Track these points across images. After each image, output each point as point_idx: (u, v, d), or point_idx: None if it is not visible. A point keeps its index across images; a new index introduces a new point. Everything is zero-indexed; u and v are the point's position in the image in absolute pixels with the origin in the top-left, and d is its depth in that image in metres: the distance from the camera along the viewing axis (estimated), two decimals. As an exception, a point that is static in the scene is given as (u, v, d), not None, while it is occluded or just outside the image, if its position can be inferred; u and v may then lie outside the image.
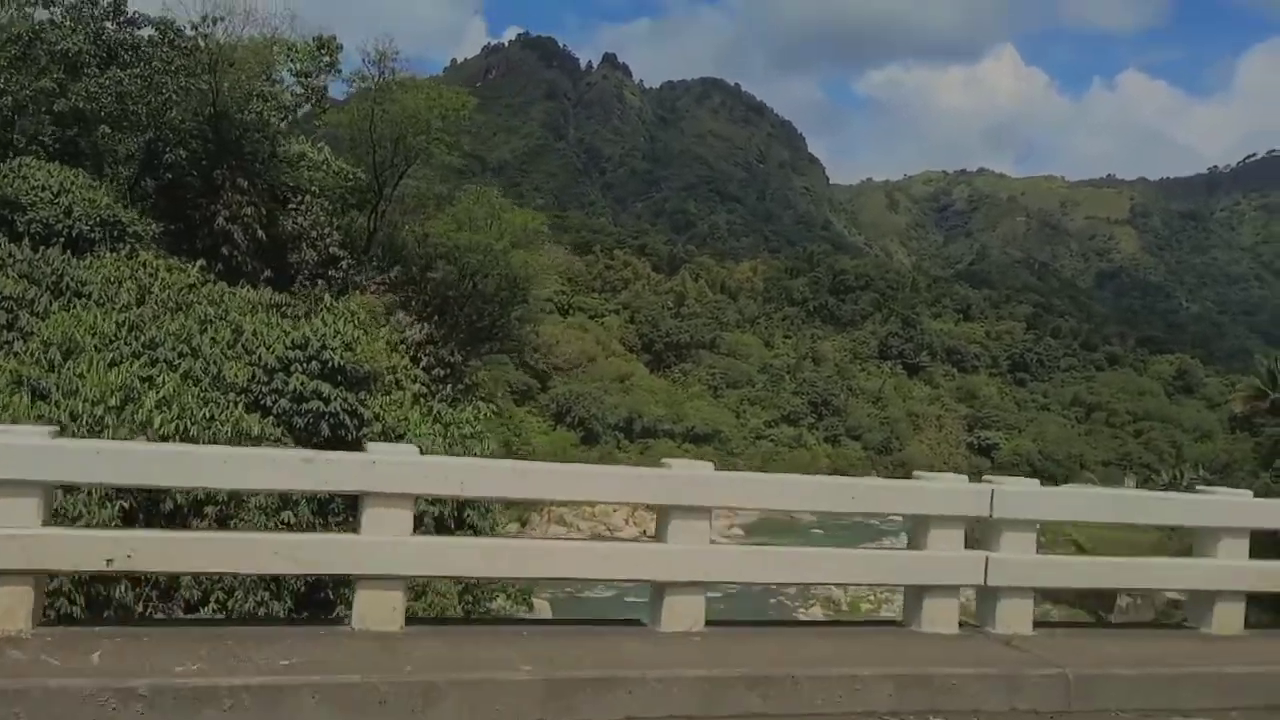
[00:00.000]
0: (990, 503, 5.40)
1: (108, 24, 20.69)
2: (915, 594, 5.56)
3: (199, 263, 20.12)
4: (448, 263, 25.59)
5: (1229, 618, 6.03)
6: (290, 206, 24.31)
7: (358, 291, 24.72)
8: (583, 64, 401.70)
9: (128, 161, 20.03)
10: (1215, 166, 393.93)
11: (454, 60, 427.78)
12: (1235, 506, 6.08)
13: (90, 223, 18.20)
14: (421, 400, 24.85)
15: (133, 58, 19.03)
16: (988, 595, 5.59)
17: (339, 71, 22.88)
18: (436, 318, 25.46)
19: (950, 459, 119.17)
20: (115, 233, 18.47)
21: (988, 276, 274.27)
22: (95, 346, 16.43)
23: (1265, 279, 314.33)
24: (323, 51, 22.22)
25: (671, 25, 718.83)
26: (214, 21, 20.13)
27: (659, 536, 5.15)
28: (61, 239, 18.21)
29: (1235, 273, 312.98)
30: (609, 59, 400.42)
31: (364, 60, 22.54)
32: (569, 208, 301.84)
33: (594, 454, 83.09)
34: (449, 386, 24.39)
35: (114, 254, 18.41)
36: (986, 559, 5.40)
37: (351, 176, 25.22)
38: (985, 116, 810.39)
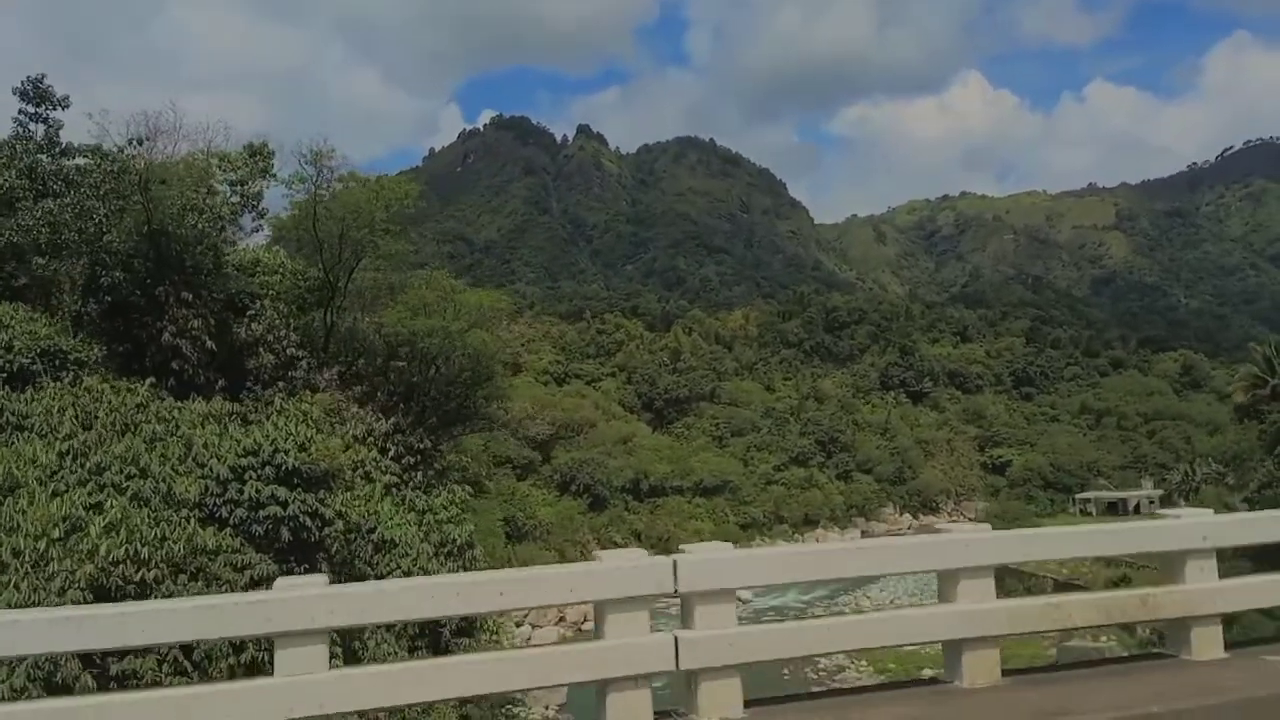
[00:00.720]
0: (674, 576, 4.83)
1: (42, 157, 21.03)
2: (603, 689, 4.82)
3: (148, 381, 20.12)
4: (410, 351, 25.60)
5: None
6: (245, 314, 24.43)
7: (314, 391, 24.69)
8: (558, 138, 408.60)
9: (71, 289, 20.19)
10: (1195, 163, 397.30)
11: (431, 149, 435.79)
12: (972, 544, 5.40)
13: (30, 355, 18.24)
14: (394, 490, 24.71)
15: (62, 187, 19.27)
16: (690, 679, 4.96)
17: (274, 176, 23.16)
18: (402, 406, 25.38)
19: (965, 480, 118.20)
20: (57, 362, 18.50)
21: (983, 296, 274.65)
22: (38, 479, 16.33)
23: (1260, 266, 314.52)
24: (256, 158, 22.51)
25: (640, 90, 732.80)
26: (139, 142, 20.48)
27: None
28: (3, 374, 18.24)
29: (1229, 264, 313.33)
30: (583, 130, 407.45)
31: (300, 161, 22.84)
32: (560, 278, 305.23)
33: (603, 519, 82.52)
34: (419, 474, 24.22)
35: (56, 383, 18.42)
36: (676, 639, 4.80)
37: (306, 277, 25.40)
38: (961, 142, 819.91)
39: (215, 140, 21.88)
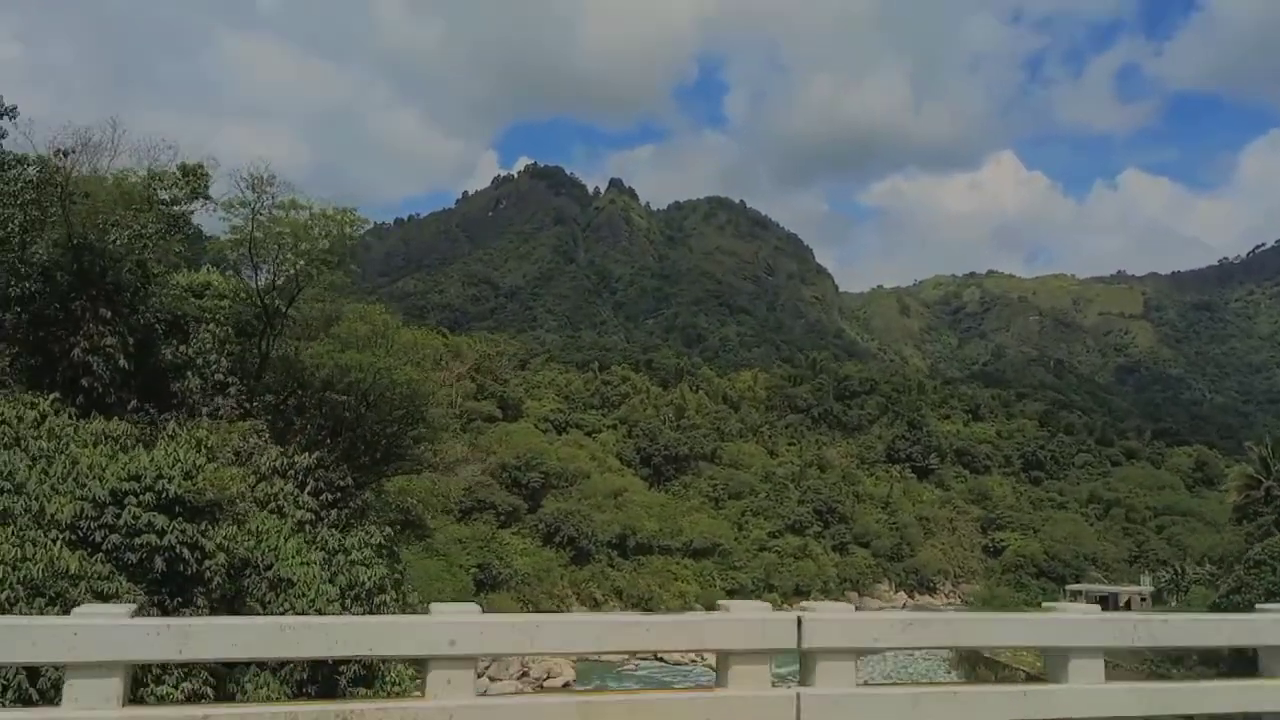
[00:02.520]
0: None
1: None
2: None
3: (51, 396, 19.76)
4: (346, 385, 25.16)
5: None
6: (176, 336, 24.15)
7: (244, 418, 24.26)
8: (590, 189, 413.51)
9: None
10: (1226, 258, 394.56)
11: (465, 192, 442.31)
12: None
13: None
14: (307, 527, 24.05)
15: (-24, 196, 19.22)
16: None
17: (207, 199, 23.04)
18: (329, 441, 24.86)
19: (965, 562, 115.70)
20: (-44, 369, 18.24)
21: (1003, 376, 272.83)
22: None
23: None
24: (189, 179, 22.45)
25: (675, 148, 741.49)
26: (64, 154, 20.43)
27: None
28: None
29: (1256, 361, 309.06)
30: (615, 183, 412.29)
31: (238, 186, 22.73)
32: (581, 327, 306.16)
33: (585, 573, 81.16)
34: (335, 511, 23.59)
35: (-50, 388, 18.11)
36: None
37: (246, 302, 25.14)
38: (991, 220, 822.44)
39: (161, 159, 21.88)
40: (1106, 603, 71.30)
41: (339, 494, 24.31)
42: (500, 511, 77.52)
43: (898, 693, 5.03)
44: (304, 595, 21.55)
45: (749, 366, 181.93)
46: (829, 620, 4.78)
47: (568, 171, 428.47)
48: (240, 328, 26.93)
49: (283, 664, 20.85)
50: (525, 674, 56.62)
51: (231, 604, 20.57)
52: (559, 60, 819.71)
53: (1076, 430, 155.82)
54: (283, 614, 21.52)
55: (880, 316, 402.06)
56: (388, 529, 24.56)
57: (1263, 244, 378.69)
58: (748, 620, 4.79)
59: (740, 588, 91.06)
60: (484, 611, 4.70)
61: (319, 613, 21.91)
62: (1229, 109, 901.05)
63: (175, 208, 22.06)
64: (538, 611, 61.58)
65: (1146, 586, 68.66)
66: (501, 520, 77.16)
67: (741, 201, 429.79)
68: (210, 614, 21.26)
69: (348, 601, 23.23)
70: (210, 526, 18.68)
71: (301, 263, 23.27)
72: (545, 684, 55.62)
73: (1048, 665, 5.30)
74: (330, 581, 23.07)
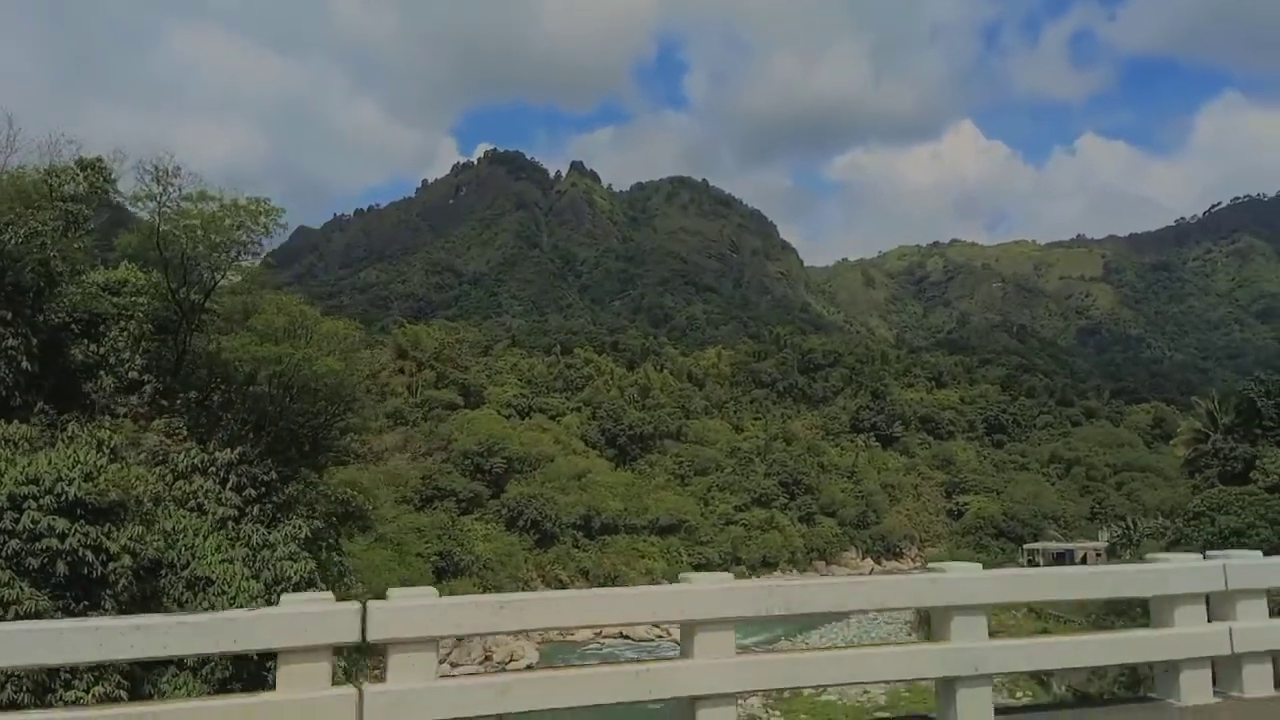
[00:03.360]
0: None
1: None
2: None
3: (-51, 400, 19.24)
4: (268, 378, 24.73)
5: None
6: (88, 336, 23.62)
7: (159, 416, 23.81)
8: (551, 174, 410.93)
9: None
10: (1183, 218, 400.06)
11: (425, 181, 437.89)
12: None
13: None
14: (229, 524, 23.68)
15: None
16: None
17: (106, 194, 22.44)
18: (252, 436, 24.44)
19: (930, 527, 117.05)
20: None
21: (968, 343, 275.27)
22: None
23: (1245, 321, 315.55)
24: (87, 174, 21.85)
25: (637, 129, 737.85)
26: (-58, 154, 19.87)
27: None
28: None
29: (1214, 318, 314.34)
30: (576, 166, 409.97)
31: (141, 179, 22.15)
32: (547, 312, 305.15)
33: (549, 555, 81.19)
34: (257, 507, 23.23)
35: None
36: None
37: (164, 298, 24.58)
38: (953, 190, 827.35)
39: (62, 155, 21.25)
40: (1062, 559, 72.67)
41: (263, 489, 23.94)
42: (461, 499, 77.20)
43: (483, 682, 4.71)
44: (224, 593, 21.25)
45: (716, 344, 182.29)
46: (400, 609, 4.40)
47: (528, 156, 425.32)
48: (160, 324, 26.39)
49: (203, 662, 20.63)
50: (488, 658, 56.59)
51: (146, 605, 20.22)
52: (516, 43, 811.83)
53: (1038, 393, 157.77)
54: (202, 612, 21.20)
55: (846, 289, 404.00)
56: (316, 522, 24.25)
57: (1218, 203, 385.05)
58: (302, 614, 4.36)
59: (708, 562, 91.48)
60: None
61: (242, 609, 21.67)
62: (1183, 72, 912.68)
63: (74, 204, 21.45)
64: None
65: (1102, 542, 69.80)
66: (463, 507, 76.85)
67: (704, 180, 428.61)
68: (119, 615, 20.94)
69: (273, 597, 22.97)
70: (114, 528, 18.32)
71: (212, 252, 22.74)
72: (508, 667, 55.61)
73: (681, 640, 5.07)
74: (255, 578, 22.78)
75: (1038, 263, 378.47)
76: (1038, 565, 77.14)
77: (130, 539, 18.47)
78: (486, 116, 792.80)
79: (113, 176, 24.64)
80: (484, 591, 65.47)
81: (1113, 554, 67.19)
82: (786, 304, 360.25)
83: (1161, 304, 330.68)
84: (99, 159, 22.14)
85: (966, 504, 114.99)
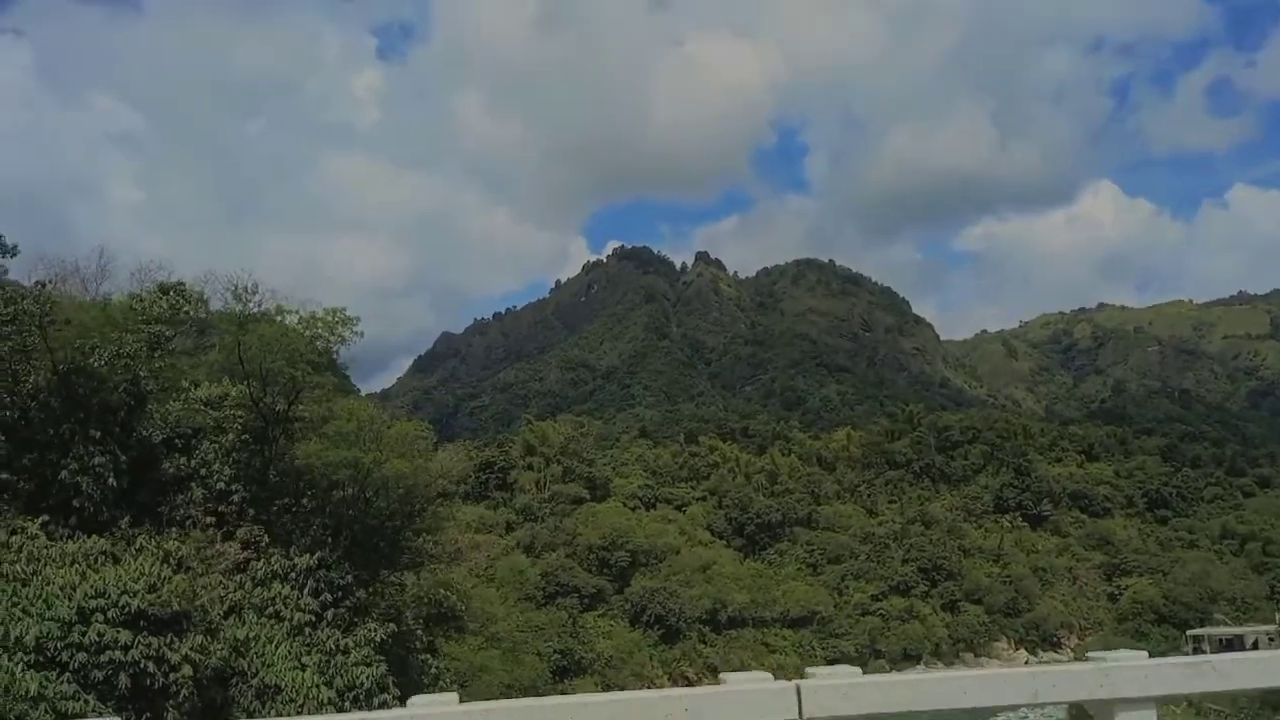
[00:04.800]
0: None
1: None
2: None
3: (40, 520, 20.59)
4: (349, 482, 25.54)
5: None
6: (178, 450, 25.02)
7: (240, 526, 24.80)
8: (678, 265, 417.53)
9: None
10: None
11: (558, 281, 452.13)
12: None
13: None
14: (306, 630, 24.19)
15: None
16: None
17: (187, 314, 24.06)
18: (330, 541, 25.15)
19: (1090, 613, 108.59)
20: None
21: (1124, 411, 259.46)
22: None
23: None
24: (167, 296, 23.51)
25: (759, 216, 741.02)
26: (42, 285, 21.68)
27: None
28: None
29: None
30: (702, 256, 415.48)
31: (223, 300, 23.72)
32: (679, 401, 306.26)
33: (675, 651, 79.45)
34: (331, 612, 23.70)
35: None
36: None
37: (244, 410, 25.95)
38: (1096, 253, 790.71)
39: (145, 281, 23.03)
40: (1231, 645, 65.61)
41: (340, 593, 24.48)
42: (584, 594, 76.82)
43: None
44: (292, 700, 21.58)
45: (853, 425, 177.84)
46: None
47: (655, 250, 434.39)
48: (255, 435, 27.75)
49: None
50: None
51: (214, 715, 20.74)
52: (635, 140, 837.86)
53: (1203, 462, 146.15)
54: None
55: (987, 361, 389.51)
56: (391, 625, 24.52)
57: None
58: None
59: (842, 655, 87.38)
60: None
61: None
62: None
63: (157, 326, 23.05)
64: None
65: (1276, 625, 62.90)
66: (586, 603, 76.41)
67: (830, 260, 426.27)
68: None
69: (345, 704, 23.15)
70: (176, 638, 18.98)
71: (289, 365, 23.91)
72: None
73: None
74: (328, 684, 23.10)
75: (1197, 323, 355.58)
76: (1203, 652, 70.13)
77: (192, 649, 19.05)
78: (613, 215, 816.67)
79: (204, 297, 26.41)
80: (607, 690, 64.48)
81: (1288, 640, 60.36)
82: (924, 380, 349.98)
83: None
84: (180, 283, 23.87)
85: (1127, 587, 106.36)
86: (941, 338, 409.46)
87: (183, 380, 26.58)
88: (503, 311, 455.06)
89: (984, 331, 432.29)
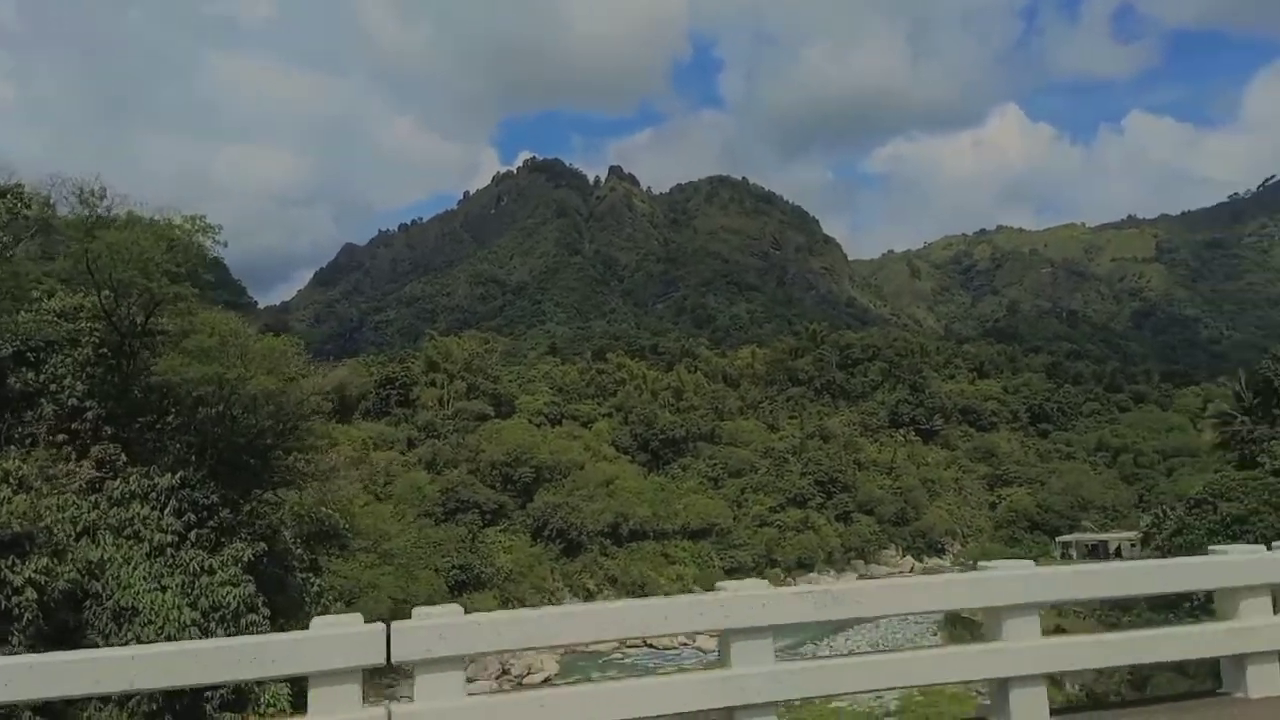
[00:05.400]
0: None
1: None
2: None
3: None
4: (217, 399, 24.66)
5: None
6: (25, 365, 23.75)
7: (96, 443, 23.83)
8: (591, 179, 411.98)
9: None
10: (1236, 193, 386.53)
11: (466, 193, 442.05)
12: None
13: None
14: (169, 550, 23.59)
15: None
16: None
17: (26, 219, 22.61)
18: (194, 459, 24.39)
19: (973, 521, 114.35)
20: None
21: (1016, 331, 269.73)
22: None
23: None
24: (4, 200, 21.98)
25: (674, 131, 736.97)
26: None
27: None
28: None
29: (1273, 294, 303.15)
30: (615, 171, 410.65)
31: (68, 203, 22.20)
32: (591, 318, 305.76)
33: (576, 564, 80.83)
34: (195, 533, 23.12)
35: None
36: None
37: (100, 323, 24.67)
38: (998, 176, 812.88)
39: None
40: (1096, 551, 70.13)
41: (204, 512, 23.90)
42: (485, 510, 77.11)
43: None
44: (151, 622, 21.14)
45: (759, 343, 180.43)
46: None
47: (567, 163, 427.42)
48: (113, 349, 26.46)
49: (128, 696, 20.48)
50: (505, 672, 56.29)
51: (68, 638, 20.12)
52: (550, 49, 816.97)
53: (1085, 379, 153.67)
54: (125, 644, 21.01)
55: (892, 281, 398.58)
56: (261, 544, 24.09)
57: (1273, 177, 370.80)
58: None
59: (740, 565, 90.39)
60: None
61: (169, 639, 21.46)
62: (1231, 44, 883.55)
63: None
64: (522, 606, 60.96)
65: (1133, 533, 67.36)
66: (487, 519, 76.75)
67: (744, 179, 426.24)
68: (29, 651, 20.87)
69: (210, 624, 22.81)
70: (19, 560, 18.29)
71: (142, 276, 22.71)
72: (525, 680, 55.29)
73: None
74: (192, 605, 22.68)
75: (1088, 246, 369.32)
76: (1070, 558, 74.90)
77: (36, 571, 18.37)
78: (525, 125, 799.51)
79: (49, 201, 24.79)
80: (505, 604, 65.31)
81: (1146, 544, 64.74)
82: (831, 300, 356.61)
83: (1218, 282, 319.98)
84: (18, 185, 22.27)
85: (1007, 496, 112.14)
86: (850, 258, 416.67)
87: (34, 290, 25.07)
88: (409, 224, 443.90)
89: (890, 251, 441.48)
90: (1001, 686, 5.25)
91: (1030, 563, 5.52)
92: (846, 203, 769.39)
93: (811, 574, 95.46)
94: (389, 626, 4.38)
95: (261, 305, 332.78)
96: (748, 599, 4.91)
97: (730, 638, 4.88)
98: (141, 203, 24.38)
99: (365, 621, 4.53)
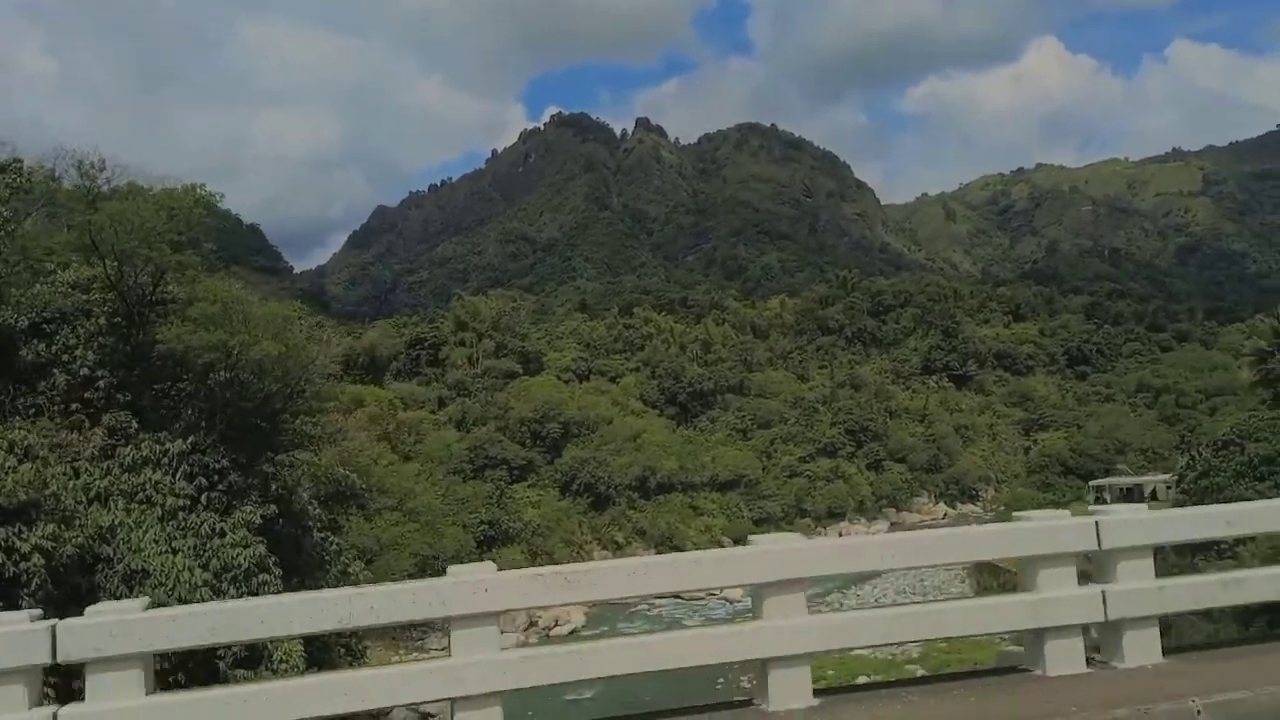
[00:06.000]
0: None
1: None
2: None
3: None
4: (226, 365, 24.97)
5: None
6: (38, 336, 24.19)
7: (106, 411, 24.28)
8: (618, 132, 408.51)
9: None
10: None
11: (494, 151, 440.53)
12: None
13: None
14: (180, 514, 24.06)
15: None
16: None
17: (27, 194, 22.86)
18: (205, 425, 24.77)
19: (1008, 467, 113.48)
20: None
21: (1056, 271, 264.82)
22: None
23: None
24: (4, 175, 22.22)
25: (701, 79, 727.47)
26: None
27: None
28: None
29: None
30: (642, 123, 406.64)
31: (61, 176, 22.40)
32: (620, 273, 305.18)
33: (604, 518, 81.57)
34: (206, 496, 23.56)
35: None
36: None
37: (111, 293, 25.01)
38: (1038, 111, 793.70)
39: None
40: (1131, 494, 69.31)
41: (215, 476, 24.28)
42: (513, 466, 77.82)
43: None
44: (162, 584, 21.62)
45: (790, 293, 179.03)
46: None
47: (594, 116, 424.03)
48: (125, 318, 26.81)
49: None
50: (532, 623, 57.20)
51: (80, 601, 20.71)
52: (573, 1, 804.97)
53: (1125, 319, 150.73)
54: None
55: (926, 225, 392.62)
56: (271, 506, 24.48)
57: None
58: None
59: (769, 516, 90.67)
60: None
61: (180, 600, 21.98)
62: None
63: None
64: (551, 561, 61.65)
65: (1168, 475, 66.31)
66: (515, 475, 77.48)
67: (773, 125, 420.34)
68: (42, 617, 21.51)
69: (223, 584, 23.30)
70: (25, 528, 18.75)
71: (144, 246, 22.93)
72: (552, 633, 56.17)
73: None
74: (204, 567, 23.16)
75: (1131, 181, 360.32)
76: (1104, 502, 74.08)
77: (43, 537, 18.81)
78: (552, 81, 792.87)
79: (54, 175, 25.02)
80: (533, 558, 66.10)
81: (1179, 485, 63.77)
82: (865, 246, 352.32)
83: (1267, 214, 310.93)
84: (17, 159, 22.51)
85: (1042, 440, 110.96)
86: (883, 202, 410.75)
87: (48, 263, 25.44)
88: (439, 184, 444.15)
89: (924, 195, 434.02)
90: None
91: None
92: (880, 147, 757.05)
93: (842, 523, 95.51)
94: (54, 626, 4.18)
95: (298, 270, 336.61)
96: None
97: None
98: (163, 176, 24.57)
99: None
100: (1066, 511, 5.60)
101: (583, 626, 57.75)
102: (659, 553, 74.42)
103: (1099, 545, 5.31)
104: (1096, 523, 5.35)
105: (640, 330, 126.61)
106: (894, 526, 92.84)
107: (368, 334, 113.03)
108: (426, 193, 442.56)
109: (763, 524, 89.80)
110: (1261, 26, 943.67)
